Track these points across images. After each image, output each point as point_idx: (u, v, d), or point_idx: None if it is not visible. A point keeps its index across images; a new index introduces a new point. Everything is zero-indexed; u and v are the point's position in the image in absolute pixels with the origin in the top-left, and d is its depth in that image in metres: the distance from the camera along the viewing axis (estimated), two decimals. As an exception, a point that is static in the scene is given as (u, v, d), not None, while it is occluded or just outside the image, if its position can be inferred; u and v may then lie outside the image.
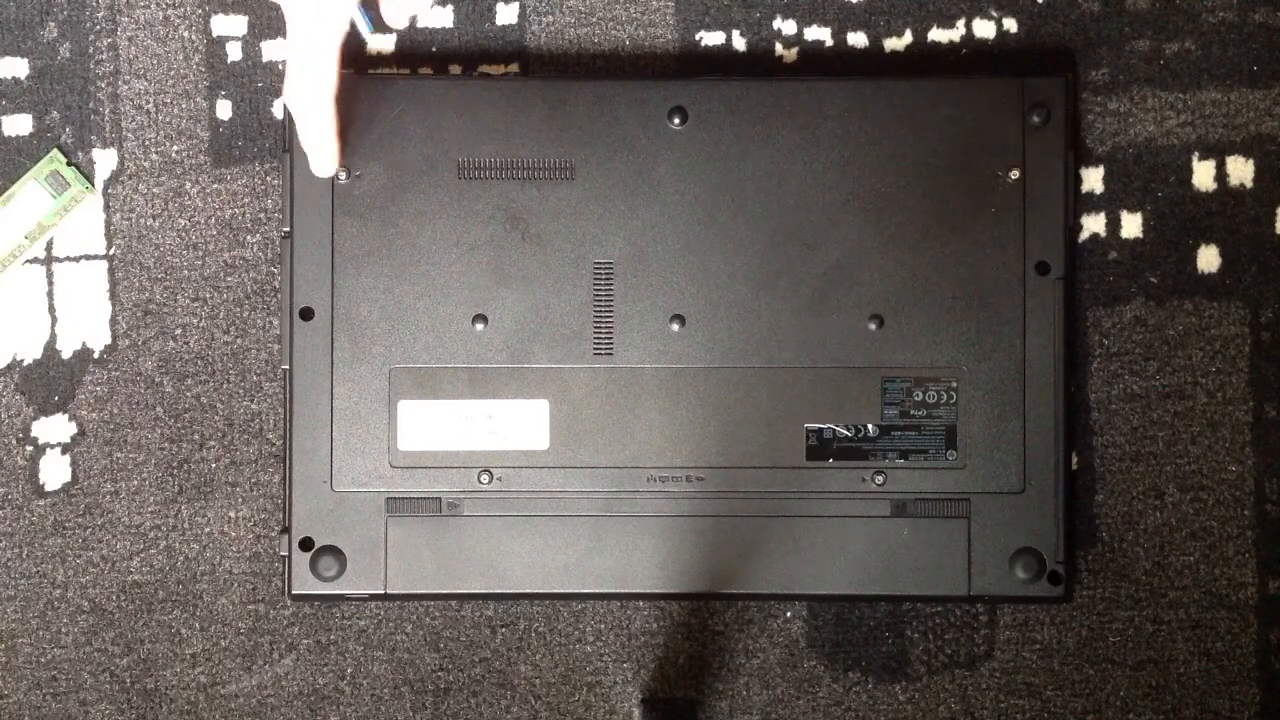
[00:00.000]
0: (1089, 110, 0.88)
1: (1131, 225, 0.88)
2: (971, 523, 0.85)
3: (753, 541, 0.85)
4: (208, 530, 0.88)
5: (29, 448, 0.88)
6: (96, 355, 0.88)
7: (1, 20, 0.88)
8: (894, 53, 0.89)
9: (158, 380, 0.88)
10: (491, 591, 0.86)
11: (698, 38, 0.89)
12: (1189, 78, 0.88)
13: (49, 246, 0.88)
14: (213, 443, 0.88)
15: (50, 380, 0.88)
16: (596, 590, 0.86)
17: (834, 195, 0.85)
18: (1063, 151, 0.86)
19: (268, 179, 0.88)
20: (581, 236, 0.86)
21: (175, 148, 0.88)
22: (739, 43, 0.89)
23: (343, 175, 0.85)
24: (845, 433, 0.85)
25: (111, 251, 0.88)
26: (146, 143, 0.88)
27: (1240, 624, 0.88)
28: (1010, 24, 0.89)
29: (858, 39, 0.88)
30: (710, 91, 0.86)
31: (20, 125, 0.88)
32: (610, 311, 0.86)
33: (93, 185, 0.88)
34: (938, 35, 0.89)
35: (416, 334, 0.85)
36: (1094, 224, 0.88)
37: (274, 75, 0.88)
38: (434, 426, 0.85)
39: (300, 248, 0.86)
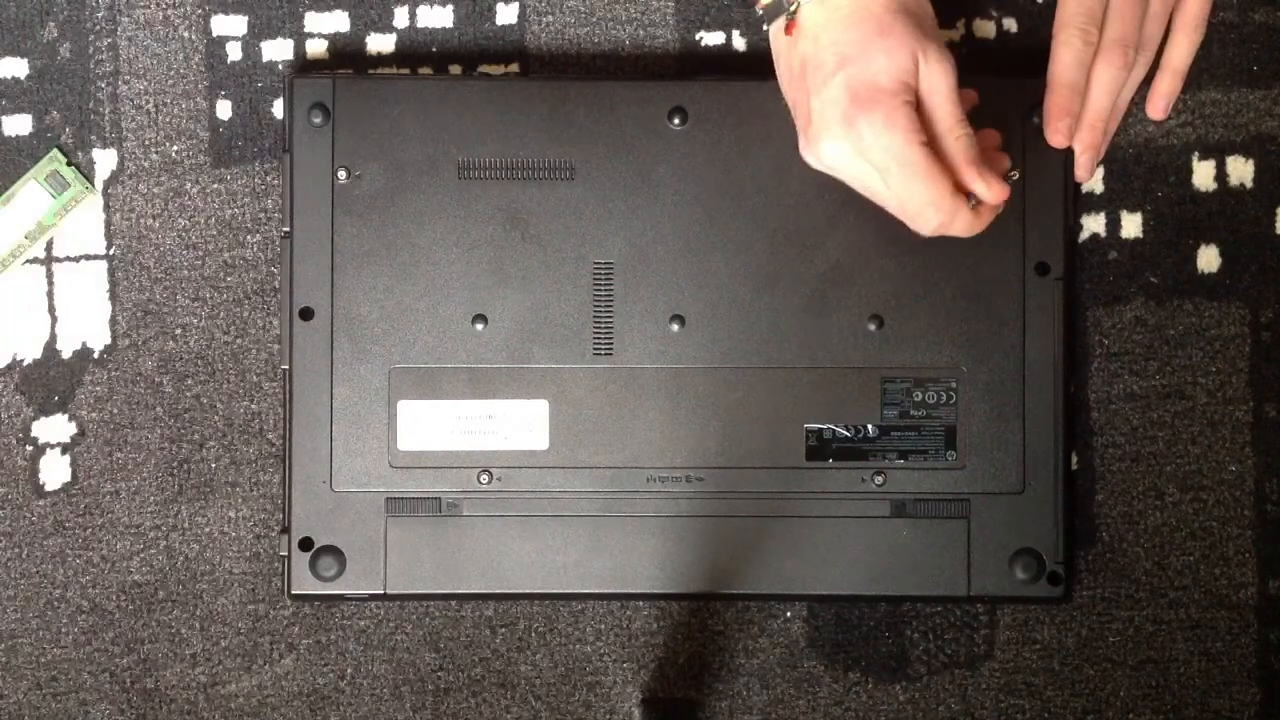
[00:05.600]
0: (1089, 110, 0.88)
1: (1131, 225, 0.88)
2: (971, 523, 0.85)
3: (753, 541, 0.85)
4: (208, 530, 0.88)
5: (29, 448, 0.88)
6: (96, 355, 0.88)
7: (1, 20, 0.88)
8: (894, 53, 0.88)
9: (158, 380, 0.88)
10: (491, 591, 0.86)
11: (698, 38, 0.89)
12: (1189, 77, 0.88)
13: (49, 246, 0.88)
14: (213, 443, 0.88)
15: (50, 380, 0.88)
16: (596, 590, 0.86)
17: (834, 195, 0.85)
18: (1063, 151, 0.86)
19: (268, 179, 0.88)
20: (581, 236, 0.86)
21: (175, 148, 0.88)
22: (739, 43, 0.89)
23: (343, 175, 0.85)
24: (845, 433, 0.85)
25: (111, 251, 0.88)
26: (146, 143, 0.88)
27: (1240, 624, 0.88)
28: (1010, 24, 0.88)
29: (858, 39, 0.88)
30: (710, 91, 0.86)
31: (20, 125, 0.88)
32: (610, 311, 0.86)
33: (93, 185, 0.88)
34: (938, 35, 0.88)
35: (416, 334, 0.85)
36: (1094, 224, 0.88)
37: (273, 75, 0.88)
38: (434, 426, 0.85)
39: (300, 248, 0.86)
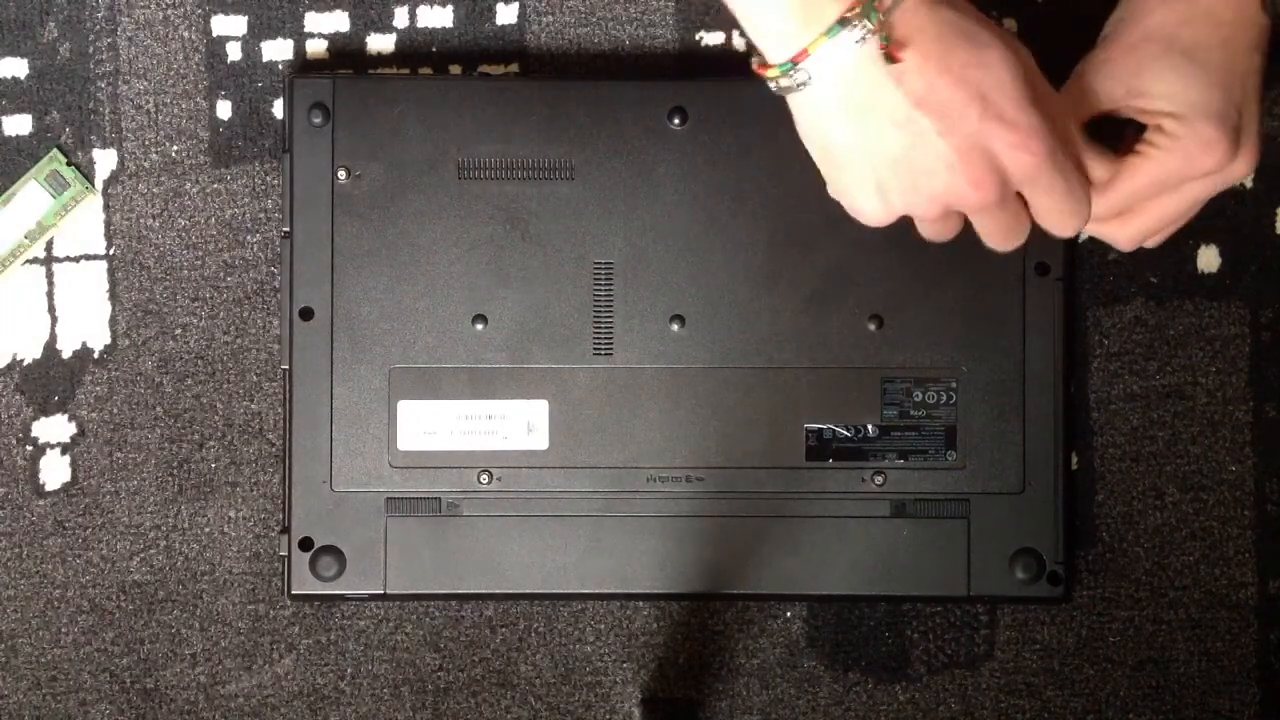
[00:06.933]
0: (1089, 110, 0.88)
1: (1131, 225, 0.88)
2: (971, 523, 0.85)
3: (753, 541, 0.85)
4: (208, 530, 0.88)
5: (29, 448, 0.88)
6: (96, 355, 0.88)
7: (1, 20, 0.88)
8: (894, 53, 0.88)
9: (158, 380, 0.88)
10: (491, 591, 0.86)
11: (698, 38, 0.89)
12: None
13: (49, 246, 0.88)
14: (213, 443, 0.88)
15: (50, 380, 0.88)
16: (596, 590, 0.86)
17: (834, 195, 0.85)
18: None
19: (268, 179, 0.88)
20: (581, 236, 0.86)
21: (175, 148, 0.88)
22: (739, 43, 0.89)
23: (343, 175, 0.85)
24: (845, 433, 0.85)
25: (111, 251, 0.88)
26: (146, 143, 0.88)
27: (1240, 624, 0.88)
28: (1010, 24, 0.89)
29: (858, 39, 0.88)
30: (710, 91, 0.86)
31: (20, 125, 0.88)
32: (610, 311, 0.86)
33: (93, 185, 0.88)
34: (938, 35, 0.88)
35: (416, 334, 0.85)
36: (1094, 224, 0.88)
37: (273, 75, 0.88)
38: (434, 426, 0.85)
39: (300, 248, 0.86)
